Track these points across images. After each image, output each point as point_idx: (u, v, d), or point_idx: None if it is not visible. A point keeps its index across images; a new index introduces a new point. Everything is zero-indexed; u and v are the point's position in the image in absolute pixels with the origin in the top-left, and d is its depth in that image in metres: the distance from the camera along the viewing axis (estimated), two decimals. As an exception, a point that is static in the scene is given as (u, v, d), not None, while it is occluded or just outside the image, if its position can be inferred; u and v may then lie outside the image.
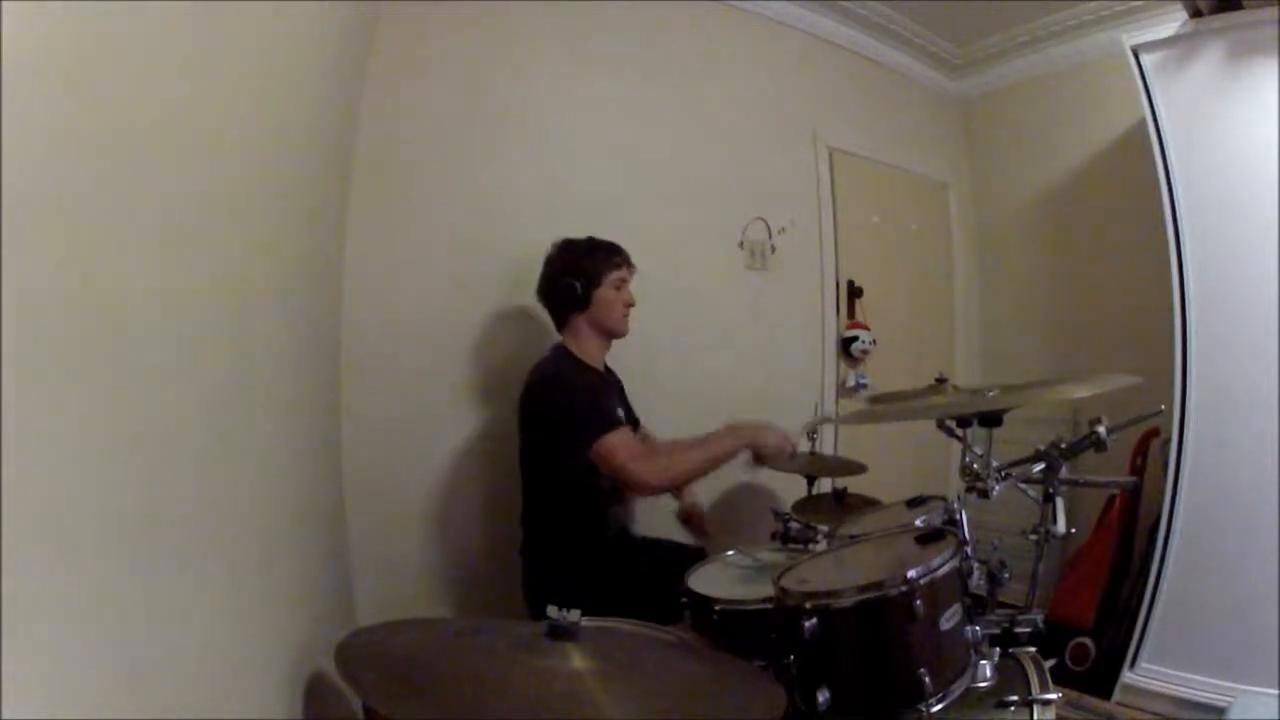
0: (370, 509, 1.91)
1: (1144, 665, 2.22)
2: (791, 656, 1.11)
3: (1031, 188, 3.30)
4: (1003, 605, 1.32)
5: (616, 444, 1.66)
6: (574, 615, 0.90)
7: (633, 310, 1.92)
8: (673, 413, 2.20)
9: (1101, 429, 1.30)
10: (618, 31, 2.44)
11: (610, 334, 1.91)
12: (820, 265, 2.96)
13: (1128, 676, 2.24)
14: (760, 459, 1.87)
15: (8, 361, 0.41)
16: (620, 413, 1.84)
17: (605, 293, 1.85)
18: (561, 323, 1.89)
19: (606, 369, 1.97)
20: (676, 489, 1.97)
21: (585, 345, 1.87)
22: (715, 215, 2.67)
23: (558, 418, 1.73)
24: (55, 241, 0.47)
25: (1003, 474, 1.36)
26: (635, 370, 2.12)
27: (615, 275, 1.86)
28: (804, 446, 2.29)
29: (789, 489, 2.40)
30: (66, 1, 0.47)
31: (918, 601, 1.06)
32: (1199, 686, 2.11)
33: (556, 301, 1.87)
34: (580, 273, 1.83)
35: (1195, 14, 2.21)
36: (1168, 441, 2.29)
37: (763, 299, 2.79)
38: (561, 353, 1.85)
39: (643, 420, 2.07)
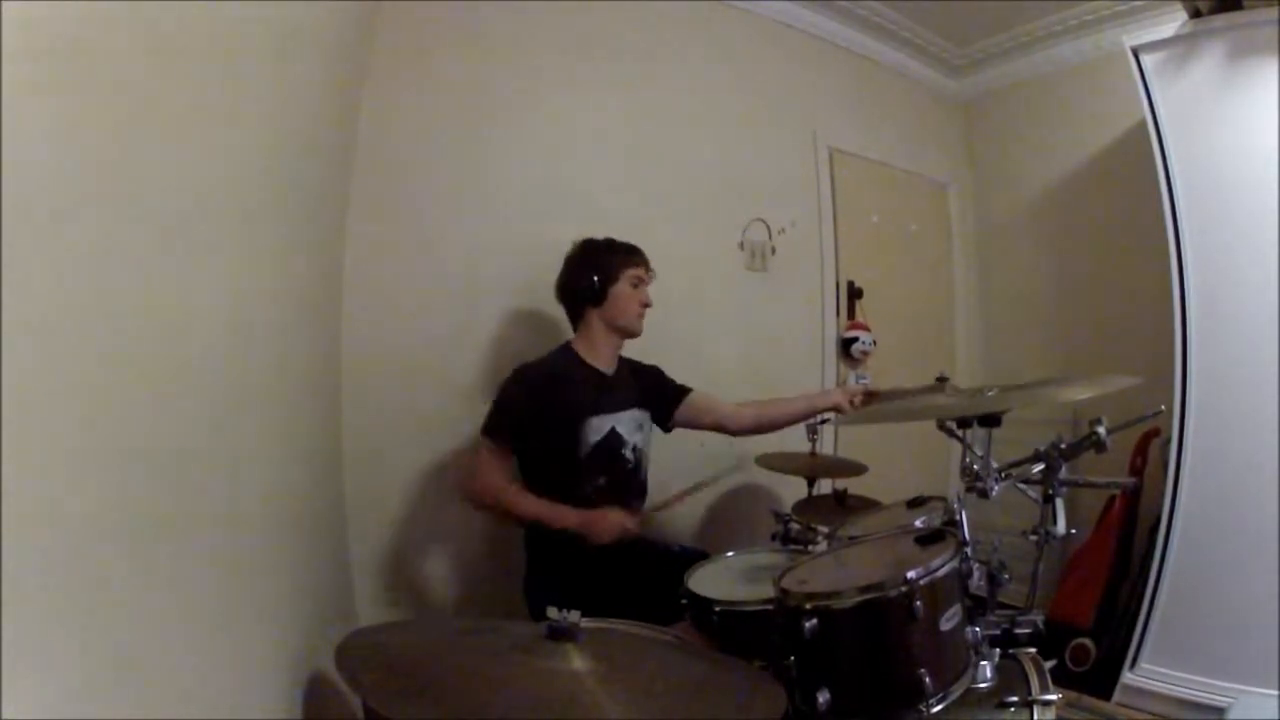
0: (371, 510, 1.91)
1: (1144, 666, 2.22)
2: (792, 657, 1.11)
3: (1031, 188, 3.30)
4: (1003, 606, 1.32)
5: (476, 451, 1.75)
6: (574, 616, 0.90)
7: None
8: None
9: (1101, 429, 1.30)
10: (618, 32, 2.44)
11: (624, 332, 1.89)
12: (820, 266, 2.96)
13: (1128, 677, 2.23)
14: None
15: (9, 369, 0.40)
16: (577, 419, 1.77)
17: (621, 289, 1.84)
18: (576, 319, 1.89)
19: (623, 364, 1.94)
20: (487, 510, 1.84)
21: (595, 343, 1.86)
22: (715, 216, 2.67)
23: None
24: (56, 249, 0.47)
25: (1002, 474, 1.36)
26: (635, 371, 2.11)
27: (632, 271, 1.86)
28: (804, 447, 2.29)
29: (789, 490, 2.41)
30: (67, 2, 0.47)
31: (918, 602, 1.06)
32: (1199, 687, 2.11)
33: (572, 297, 1.87)
34: (597, 268, 1.83)
35: (1195, 14, 2.21)
36: (1168, 441, 2.29)
37: (763, 300, 2.78)
38: (560, 349, 1.85)
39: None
